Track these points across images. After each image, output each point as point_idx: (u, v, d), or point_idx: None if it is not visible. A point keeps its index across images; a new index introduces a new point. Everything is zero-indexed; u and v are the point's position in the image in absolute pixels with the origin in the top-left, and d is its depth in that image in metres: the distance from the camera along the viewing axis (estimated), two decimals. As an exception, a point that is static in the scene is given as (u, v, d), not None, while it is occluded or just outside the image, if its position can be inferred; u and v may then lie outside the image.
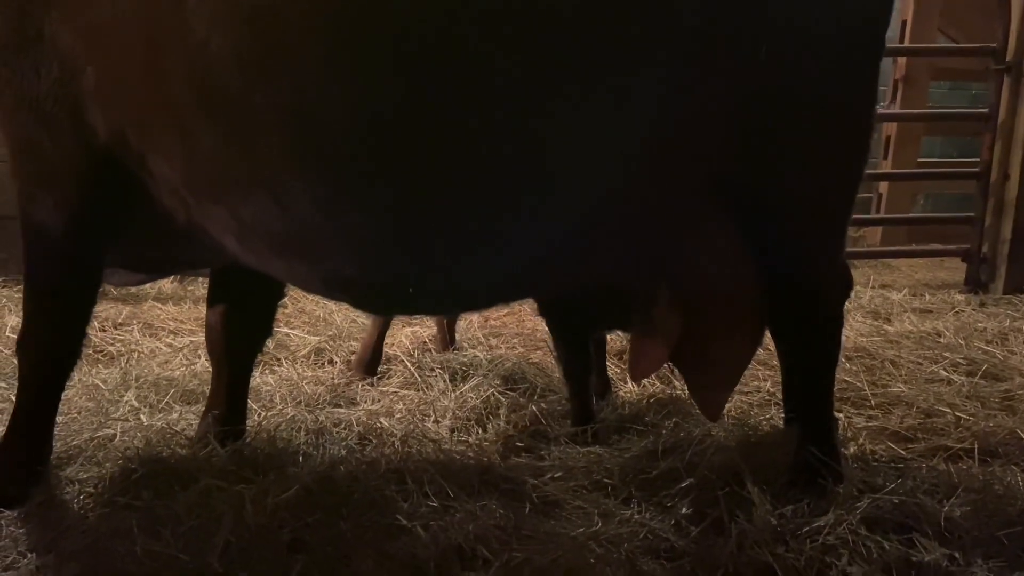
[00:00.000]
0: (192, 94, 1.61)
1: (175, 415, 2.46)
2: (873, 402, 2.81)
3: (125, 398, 2.55)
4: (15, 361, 2.07)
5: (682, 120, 1.73)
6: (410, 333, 3.39)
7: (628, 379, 2.93)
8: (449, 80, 1.56)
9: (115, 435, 2.27)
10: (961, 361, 3.22)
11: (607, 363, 2.92)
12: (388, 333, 3.32)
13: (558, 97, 1.61)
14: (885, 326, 3.74)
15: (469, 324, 3.58)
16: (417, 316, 3.22)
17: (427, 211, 1.67)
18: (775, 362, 3.06)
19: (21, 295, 3.59)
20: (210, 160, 1.66)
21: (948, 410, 2.68)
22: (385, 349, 3.16)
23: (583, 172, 1.69)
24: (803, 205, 1.93)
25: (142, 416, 2.42)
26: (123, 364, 2.93)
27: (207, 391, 2.51)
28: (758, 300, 1.95)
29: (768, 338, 3.12)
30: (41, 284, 1.97)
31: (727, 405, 2.71)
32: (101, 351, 3.12)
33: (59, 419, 2.12)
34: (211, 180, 1.70)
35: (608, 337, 3.02)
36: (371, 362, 3.03)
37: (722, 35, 1.71)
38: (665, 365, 2.31)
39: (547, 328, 2.61)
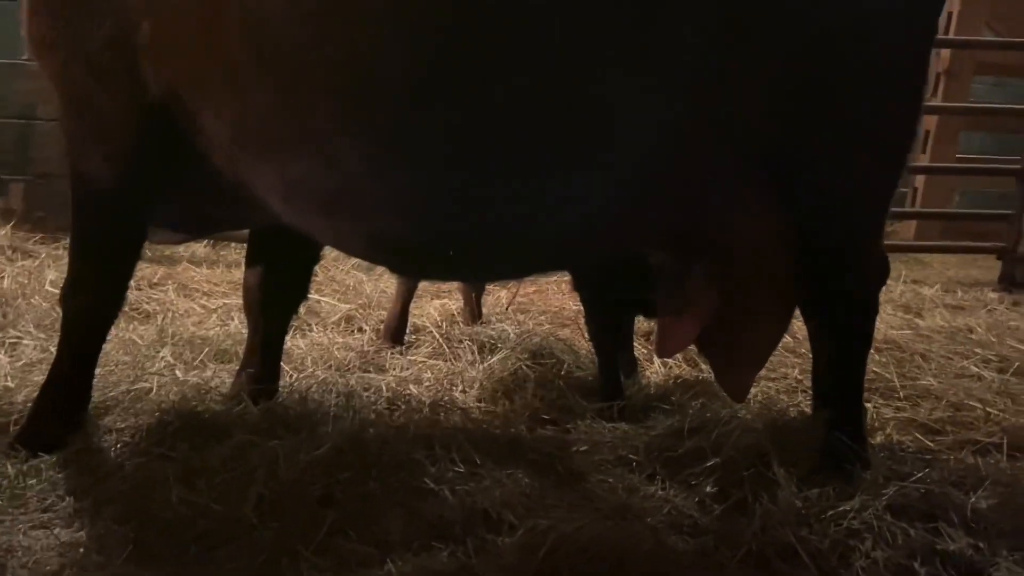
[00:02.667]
0: (247, 50, 1.63)
1: (209, 372, 2.51)
2: (902, 394, 2.79)
3: (161, 354, 2.60)
4: (54, 314, 2.12)
5: (726, 91, 1.73)
6: (439, 305, 3.42)
7: (655, 360, 2.94)
8: (505, 40, 1.57)
9: (151, 389, 2.32)
10: (992, 358, 3.18)
11: (634, 343, 2.93)
12: (417, 305, 3.35)
13: (606, 61, 1.62)
14: (916, 320, 3.70)
15: (497, 299, 3.59)
16: (455, 282, 3.23)
17: (475, 171, 1.68)
18: (803, 349, 3.06)
19: (59, 252, 3.67)
20: (261, 117, 1.68)
21: (978, 405, 2.66)
22: (414, 320, 3.19)
23: (628, 139, 1.70)
24: (847, 185, 1.92)
25: (177, 372, 2.46)
26: (159, 322, 2.98)
27: (240, 351, 2.55)
28: (791, 280, 1.94)
29: (796, 325, 3.11)
30: (89, 237, 2.01)
31: (753, 390, 2.72)
32: (137, 309, 3.17)
33: (96, 371, 2.17)
34: (261, 137, 1.72)
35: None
36: (398, 331, 3.07)
37: (773, 7, 1.70)
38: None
39: (581, 302, 2.62)
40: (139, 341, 2.69)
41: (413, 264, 2.05)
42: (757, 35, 1.72)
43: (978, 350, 3.25)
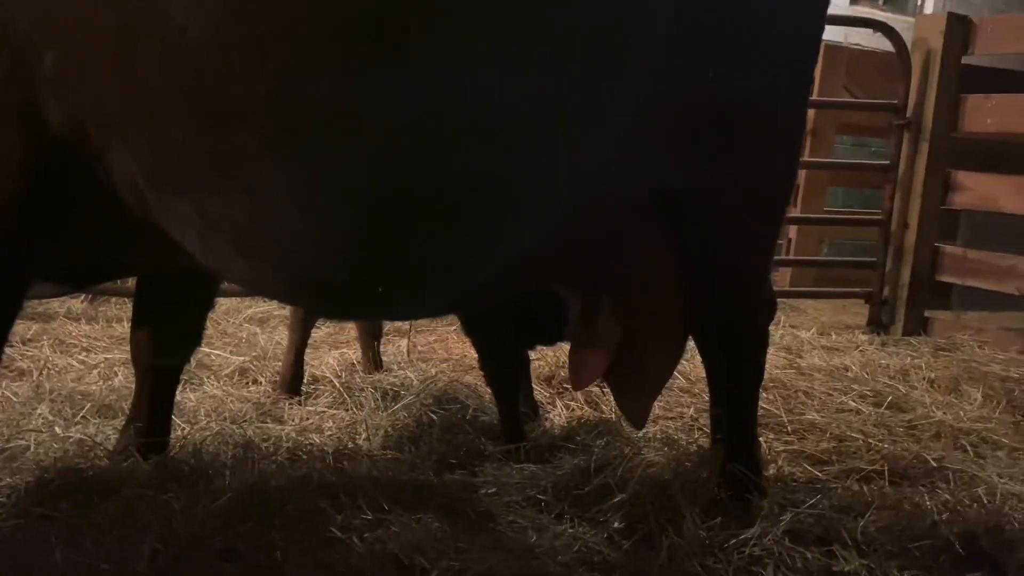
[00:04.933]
0: (165, 82, 1.55)
1: (92, 428, 2.36)
2: (789, 428, 2.92)
3: (38, 411, 2.43)
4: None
5: (634, 135, 1.80)
6: (338, 355, 3.35)
7: (557, 402, 2.98)
8: (427, 78, 1.57)
9: (28, 447, 2.16)
10: (868, 393, 3.39)
11: (533, 387, 2.96)
12: (315, 355, 3.27)
13: (526, 106, 1.65)
14: (797, 360, 3.90)
15: (398, 349, 3.56)
16: (376, 320, 3.16)
17: (402, 209, 1.67)
18: (697, 389, 3.17)
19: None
20: (179, 151, 1.60)
21: (859, 436, 2.81)
22: (312, 371, 3.11)
23: (549, 179, 1.73)
24: (739, 226, 2.03)
25: (57, 428, 2.30)
26: (35, 378, 2.79)
27: (126, 406, 2.42)
28: (683, 307, 2.04)
29: (690, 367, 3.22)
30: None
31: (652, 429, 2.79)
32: (9, 367, 2.96)
33: (-35, 431, 2.01)
34: (178, 173, 1.63)
35: (534, 362, 3.07)
36: (294, 381, 2.98)
37: (670, 52, 1.79)
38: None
39: (474, 347, 2.63)
40: (13, 398, 2.51)
41: (333, 302, 1.99)
42: (662, 82, 1.80)
43: (855, 386, 3.46)
